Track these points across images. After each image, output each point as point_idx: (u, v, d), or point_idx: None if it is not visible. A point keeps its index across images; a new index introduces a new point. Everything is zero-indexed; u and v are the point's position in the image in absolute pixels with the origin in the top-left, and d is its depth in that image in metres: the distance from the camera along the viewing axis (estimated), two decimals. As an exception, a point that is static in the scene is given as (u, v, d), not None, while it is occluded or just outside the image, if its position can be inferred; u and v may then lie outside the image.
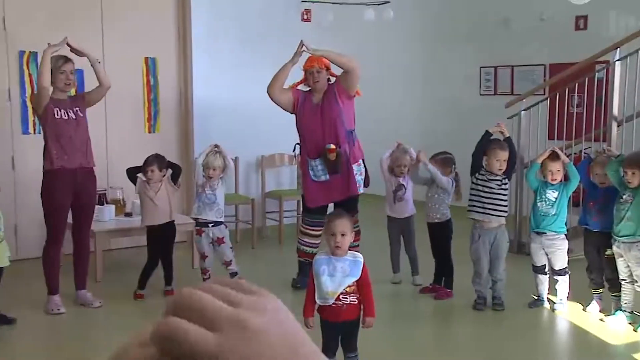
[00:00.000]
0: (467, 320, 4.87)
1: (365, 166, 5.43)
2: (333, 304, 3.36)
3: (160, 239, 5.18)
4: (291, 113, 5.35)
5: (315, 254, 5.34)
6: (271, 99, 5.26)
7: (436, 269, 5.29)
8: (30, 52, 6.03)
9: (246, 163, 7.19)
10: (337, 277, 3.36)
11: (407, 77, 9.15)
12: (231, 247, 5.25)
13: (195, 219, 5.23)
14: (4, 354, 4.10)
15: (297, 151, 5.58)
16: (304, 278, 5.37)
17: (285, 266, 5.91)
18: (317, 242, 5.40)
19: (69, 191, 4.75)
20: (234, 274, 5.24)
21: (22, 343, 4.34)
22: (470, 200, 4.93)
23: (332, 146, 5.14)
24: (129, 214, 5.95)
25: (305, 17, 7.38)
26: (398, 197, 5.41)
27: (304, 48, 5.08)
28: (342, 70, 5.20)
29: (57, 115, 4.68)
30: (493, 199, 4.84)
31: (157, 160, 5.13)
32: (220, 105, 6.96)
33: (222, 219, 5.27)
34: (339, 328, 3.44)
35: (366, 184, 5.44)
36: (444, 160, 5.24)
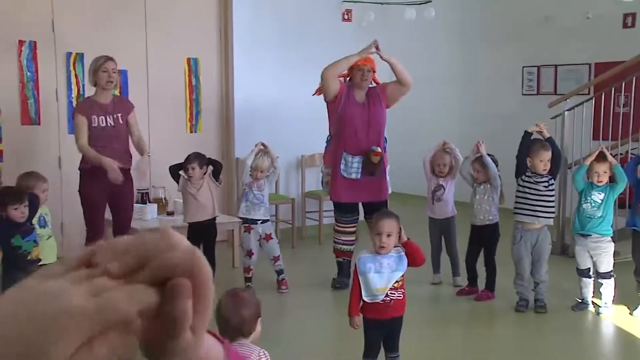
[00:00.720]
0: (508, 322, 4.81)
1: None
2: (381, 300, 3.37)
3: (202, 236, 5.24)
4: (327, 102, 5.33)
5: (352, 251, 5.38)
6: (323, 81, 5.22)
7: (471, 272, 5.24)
8: (77, 53, 6.16)
9: (286, 163, 7.21)
10: (384, 274, 3.36)
11: (448, 76, 9.07)
12: (278, 243, 5.32)
13: (243, 218, 5.28)
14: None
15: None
16: (344, 278, 5.38)
17: (325, 266, 5.92)
18: (352, 239, 5.41)
19: (103, 189, 4.85)
20: (280, 271, 5.29)
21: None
22: (516, 202, 4.84)
23: (379, 149, 5.16)
24: (170, 213, 6.02)
25: (346, 17, 7.37)
26: (436, 198, 5.38)
27: (373, 49, 5.08)
28: (395, 81, 5.24)
29: (95, 123, 4.80)
30: (541, 201, 4.75)
31: (197, 158, 5.19)
32: (261, 105, 7.00)
33: (268, 217, 5.36)
34: (384, 326, 3.42)
35: None
36: None
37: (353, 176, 5.24)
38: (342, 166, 5.25)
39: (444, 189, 5.35)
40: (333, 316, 4.99)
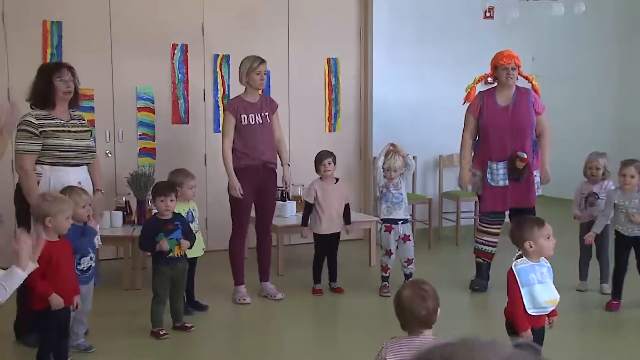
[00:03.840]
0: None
1: None
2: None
3: (328, 244, 5.34)
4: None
5: (494, 254, 5.23)
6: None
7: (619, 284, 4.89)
8: (223, 54, 6.43)
9: (424, 163, 7.15)
10: (548, 283, 3.17)
11: (599, 76, 8.56)
12: (414, 246, 5.28)
13: (385, 219, 5.26)
14: (198, 337, 4.40)
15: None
16: (482, 281, 5.26)
17: (461, 267, 5.81)
18: (496, 240, 5.26)
19: (251, 188, 4.99)
20: (410, 275, 5.24)
21: (213, 328, 4.63)
22: None
23: (525, 156, 5.01)
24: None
25: (487, 14, 7.19)
26: (589, 202, 5.11)
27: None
28: (541, 128, 5.16)
29: (244, 121, 4.93)
30: None
31: (332, 155, 5.32)
32: (399, 104, 6.98)
33: (409, 216, 5.33)
34: (536, 335, 3.25)
35: None
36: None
37: (501, 183, 5.12)
38: (488, 175, 5.16)
39: (597, 197, 5.07)
40: (470, 318, 4.89)
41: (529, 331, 3.15)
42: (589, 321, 4.84)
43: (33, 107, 4.11)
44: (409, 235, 5.23)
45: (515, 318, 3.18)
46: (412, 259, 5.24)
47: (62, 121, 4.09)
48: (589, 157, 5.17)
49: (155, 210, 4.48)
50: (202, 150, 6.48)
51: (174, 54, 6.30)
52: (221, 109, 6.49)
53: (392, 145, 5.21)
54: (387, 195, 5.18)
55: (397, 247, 5.23)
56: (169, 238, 4.27)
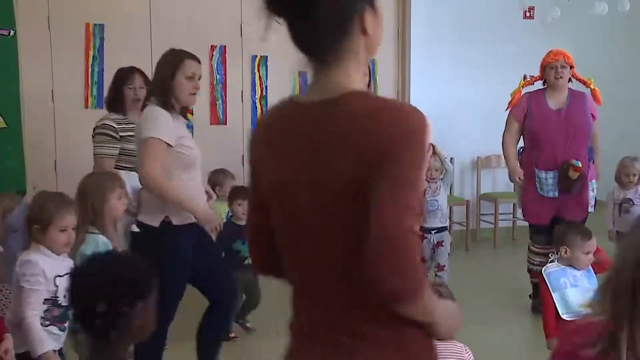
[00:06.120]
0: None
1: None
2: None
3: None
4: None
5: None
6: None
7: None
8: (261, 56, 6.46)
9: (461, 164, 7.09)
10: (581, 287, 3.07)
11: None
12: (449, 254, 5.01)
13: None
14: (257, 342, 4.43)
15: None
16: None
17: (499, 270, 5.76)
18: (546, 260, 4.98)
19: None
20: (440, 285, 5.09)
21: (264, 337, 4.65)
22: None
23: (580, 165, 4.49)
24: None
25: (527, 14, 7.10)
26: (624, 209, 4.93)
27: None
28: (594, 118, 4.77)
29: None
30: None
31: None
32: (437, 105, 6.91)
33: (446, 224, 5.06)
34: None
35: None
36: None
37: (550, 194, 4.64)
38: (537, 185, 4.69)
39: (633, 203, 4.93)
40: (506, 321, 4.82)
41: (555, 340, 2.96)
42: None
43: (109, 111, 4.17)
44: (442, 242, 4.91)
45: (544, 324, 3.09)
46: (444, 266, 4.90)
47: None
48: (622, 162, 4.94)
49: None
50: (240, 152, 6.51)
51: (212, 55, 6.35)
52: (259, 110, 6.53)
53: (432, 145, 5.09)
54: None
55: (433, 253, 4.94)
56: (245, 246, 4.14)
